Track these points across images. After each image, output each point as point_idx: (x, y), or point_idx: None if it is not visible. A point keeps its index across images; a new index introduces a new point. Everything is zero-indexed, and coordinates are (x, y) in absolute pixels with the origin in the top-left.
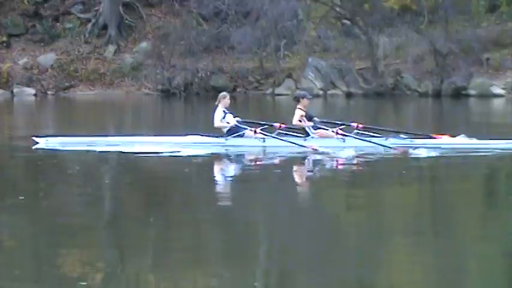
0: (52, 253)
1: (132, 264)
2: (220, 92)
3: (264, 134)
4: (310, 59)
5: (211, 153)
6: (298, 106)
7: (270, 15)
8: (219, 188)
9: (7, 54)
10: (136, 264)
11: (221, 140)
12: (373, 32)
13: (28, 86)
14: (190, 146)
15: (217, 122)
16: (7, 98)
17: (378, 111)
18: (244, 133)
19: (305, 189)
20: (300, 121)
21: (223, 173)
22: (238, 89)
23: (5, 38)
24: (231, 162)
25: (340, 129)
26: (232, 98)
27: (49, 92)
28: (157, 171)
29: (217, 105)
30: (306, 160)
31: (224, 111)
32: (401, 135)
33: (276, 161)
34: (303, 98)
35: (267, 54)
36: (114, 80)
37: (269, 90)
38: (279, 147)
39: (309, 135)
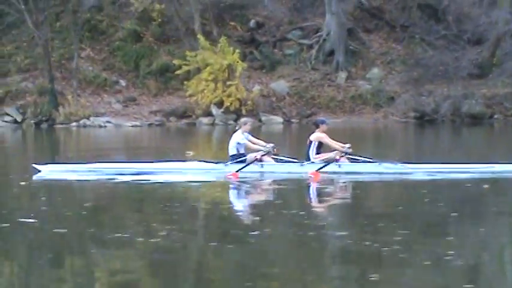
0: None
1: None
2: (476, 118)
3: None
4: None
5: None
6: (318, 131)
7: None
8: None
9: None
10: None
11: (220, 166)
12: None
13: (271, 113)
14: (190, 172)
15: (235, 143)
16: (255, 126)
17: None
18: (246, 158)
19: None
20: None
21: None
22: (495, 116)
23: (245, 65)
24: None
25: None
26: (490, 125)
27: (293, 120)
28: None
29: (236, 130)
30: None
31: (245, 135)
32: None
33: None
34: (322, 124)
35: None
36: (355, 107)
37: None
38: (275, 173)
39: (309, 159)
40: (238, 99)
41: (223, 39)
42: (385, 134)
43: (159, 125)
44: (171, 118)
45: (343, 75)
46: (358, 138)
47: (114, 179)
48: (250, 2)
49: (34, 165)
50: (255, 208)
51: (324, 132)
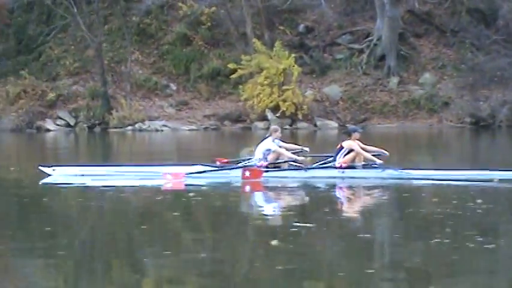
0: None
1: None
2: None
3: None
4: None
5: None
6: (350, 139)
7: None
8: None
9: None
10: None
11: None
12: None
13: (326, 118)
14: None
15: (265, 150)
16: (311, 131)
17: None
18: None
19: None
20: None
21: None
22: None
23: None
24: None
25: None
26: None
27: (348, 125)
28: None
29: (267, 137)
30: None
31: (275, 142)
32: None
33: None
34: (354, 132)
35: None
36: (408, 112)
37: None
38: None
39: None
40: (294, 104)
41: (278, 43)
42: (442, 139)
43: (215, 129)
44: (226, 122)
45: (395, 80)
46: (414, 144)
47: (117, 184)
48: (299, 7)
49: (41, 167)
50: (286, 215)
51: (357, 139)
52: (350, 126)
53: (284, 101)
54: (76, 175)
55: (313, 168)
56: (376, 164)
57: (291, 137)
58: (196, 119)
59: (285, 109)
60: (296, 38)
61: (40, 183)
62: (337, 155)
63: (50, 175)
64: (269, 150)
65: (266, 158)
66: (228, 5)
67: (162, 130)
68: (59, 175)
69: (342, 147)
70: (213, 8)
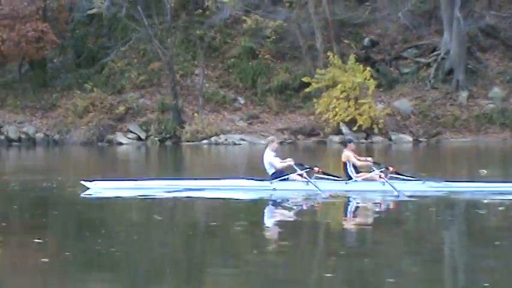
0: None
1: None
2: None
3: (307, 178)
4: None
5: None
6: (346, 149)
7: None
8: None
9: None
10: None
11: (266, 183)
12: None
13: (400, 132)
14: (235, 189)
15: (268, 163)
16: (386, 145)
17: None
18: (288, 177)
19: None
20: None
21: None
22: None
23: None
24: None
25: (381, 171)
26: None
27: (421, 139)
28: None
29: (265, 149)
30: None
31: (274, 154)
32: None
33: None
34: (349, 143)
35: None
36: (480, 126)
37: None
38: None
39: (351, 178)
40: (371, 118)
41: (351, 57)
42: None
43: (291, 143)
44: (299, 136)
45: (464, 94)
46: (492, 158)
47: (158, 196)
48: (365, 20)
49: (82, 182)
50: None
51: (352, 150)
52: (346, 137)
53: (360, 114)
54: (114, 188)
55: (353, 180)
56: (415, 177)
57: (366, 151)
58: (269, 133)
59: (361, 123)
60: (361, 51)
61: (81, 195)
62: (346, 170)
63: (88, 188)
64: (272, 163)
65: (282, 171)
66: (298, 19)
67: (240, 144)
68: (98, 188)
69: (344, 162)
70: (278, 22)
